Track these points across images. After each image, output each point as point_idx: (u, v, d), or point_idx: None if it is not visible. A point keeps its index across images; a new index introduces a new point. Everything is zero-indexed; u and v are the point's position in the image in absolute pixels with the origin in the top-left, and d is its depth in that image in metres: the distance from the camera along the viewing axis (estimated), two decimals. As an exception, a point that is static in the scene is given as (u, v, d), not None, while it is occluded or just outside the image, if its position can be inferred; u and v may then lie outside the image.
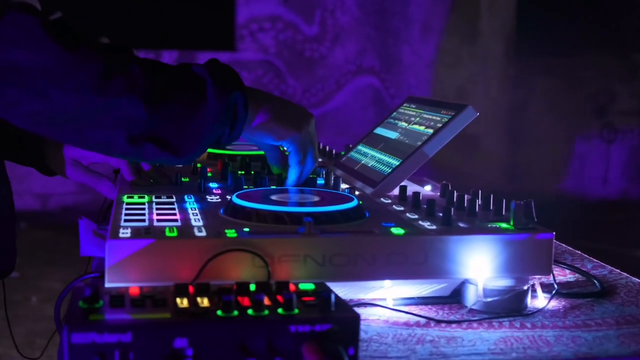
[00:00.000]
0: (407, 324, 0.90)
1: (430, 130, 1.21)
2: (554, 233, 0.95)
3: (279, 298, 0.77)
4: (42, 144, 1.23)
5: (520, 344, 0.84)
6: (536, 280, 1.00)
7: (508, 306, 0.95)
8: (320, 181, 1.23)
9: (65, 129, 0.95)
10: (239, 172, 1.30)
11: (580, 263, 1.16)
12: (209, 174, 1.29)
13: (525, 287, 0.96)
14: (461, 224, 0.97)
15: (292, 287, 0.83)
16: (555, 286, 1.02)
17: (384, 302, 0.96)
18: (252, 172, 1.27)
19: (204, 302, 0.76)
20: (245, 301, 0.76)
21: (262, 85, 5.89)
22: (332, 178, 1.19)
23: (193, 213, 0.97)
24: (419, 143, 1.20)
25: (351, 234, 0.90)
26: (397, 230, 0.92)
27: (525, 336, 0.87)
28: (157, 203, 1.02)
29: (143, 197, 1.06)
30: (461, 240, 0.92)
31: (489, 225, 0.97)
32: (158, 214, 0.95)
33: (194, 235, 0.87)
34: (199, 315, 0.73)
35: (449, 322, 0.91)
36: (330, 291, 0.77)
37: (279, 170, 1.19)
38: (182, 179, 1.22)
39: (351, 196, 1.03)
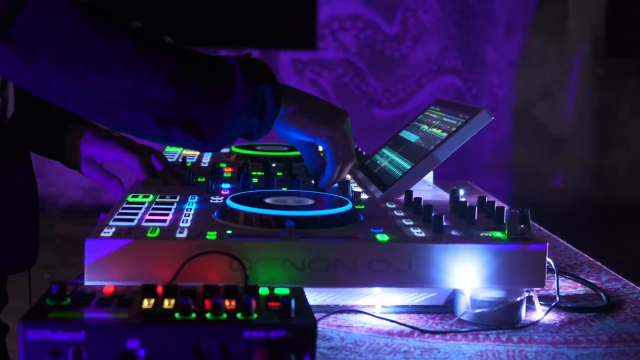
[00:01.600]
0: (389, 333, 0.89)
1: (445, 134, 1.18)
2: (547, 244, 0.91)
3: (233, 303, 0.77)
4: (63, 138, 1.27)
5: (490, 357, 0.81)
6: (533, 292, 0.97)
7: (500, 318, 0.92)
8: (334, 185, 1.22)
9: (93, 107, 0.96)
10: (255, 172, 1.30)
11: (596, 275, 1.11)
12: (228, 175, 1.31)
13: (518, 299, 0.93)
14: (454, 232, 0.94)
15: (266, 291, 0.83)
16: (557, 298, 0.99)
17: (373, 309, 0.94)
18: (279, 174, 1.28)
19: (169, 303, 0.77)
20: (207, 304, 0.76)
21: (343, 85, 5.90)
22: (343, 181, 1.18)
23: (187, 214, 0.98)
24: (432, 147, 1.18)
25: (332, 239, 0.89)
26: (382, 237, 0.90)
27: (506, 350, 0.84)
28: (157, 203, 1.04)
29: (147, 197, 1.08)
30: (447, 249, 0.89)
31: (482, 234, 0.94)
32: (150, 214, 0.97)
33: (173, 237, 0.88)
34: (154, 317, 0.73)
35: (433, 333, 0.89)
36: (292, 297, 0.77)
37: (315, 172, 1.18)
38: (198, 179, 1.23)
39: (346, 200, 1.02)
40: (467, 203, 1.04)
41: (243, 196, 1.02)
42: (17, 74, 0.93)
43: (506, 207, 0.95)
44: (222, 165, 1.39)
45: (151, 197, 1.08)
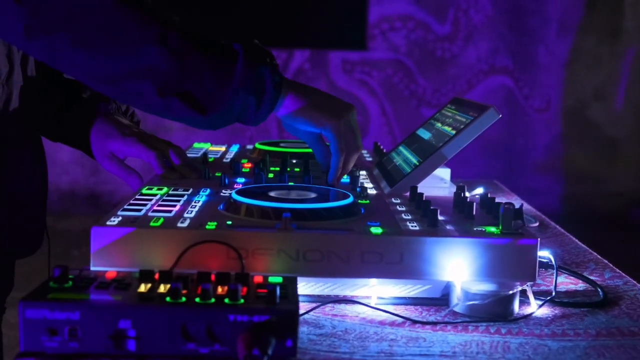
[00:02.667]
0: (381, 323, 0.92)
1: (454, 132, 1.21)
2: (538, 239, 0.93)
3: (225, 289, 0.81)
4: (89, 134, 1.33)
5: (478, 348, 0.83)
6: (527, 286, 0.98)
7: (492, 311, 0.94)
8: (346, 179, 1.25)
9: (100, 75, 1.00)
10: (273, 168, 1.34)
11: (600, 272, 1.12)
12: (246, 170, 1.35)
13: (510, 293, 0.94)
14: (449, 227, 0.97)
15: (260, 279, 0.87)
16: (553, 293, 1.00)
17: (369, 300, 0.97)
18: (296, 170, 1.31)
19: (164, 288, 0.81)
20: (199, 290, 0.81)
21: (392, 85, 5.90)
22: (353, 177, 1.21)
23: (193, 206, 1.03)
24: (440, 145, 1.20)
25: (325, 231, 0.92)
26: (376, 230, 0.93)
27: (490, 341, 0.86)
28: (169, 195, 1.09)
29: (161, 189, 1.13)
30: (437, 242, 0.92)
31: (475, 229, 0.96)
32: (159, 205, 1.02)
33: (174, 226, 0.92)
34: (146, 300, 0.78)
35: (424, 323, 0.92)
36: (278, 285, 0.80)
37: (326, 166, 1.20)
38: (216, 174, 1.28)
39: (348, 194, 1.05)
40: (468, 199, 1.06)
41: (249, 189, 1.06)
42: (28, 44, 0.97)
43: (502, 204, 0.97)
44: (244, 160, 1.43)
45: (165, 189, 1.13)
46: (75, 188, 5.66)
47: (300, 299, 0.96)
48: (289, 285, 0.85)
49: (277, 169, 1.35)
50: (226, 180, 1.19)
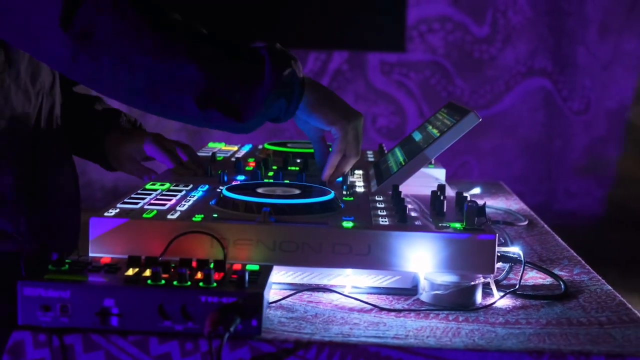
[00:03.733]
0: (351, 309, 1.00)
1: (438, 135, 1.28)
2: (496, 234, 1.00)
3: (201, 273, 0.90)
4: (104, 144, 1.44)
5: (430, 333, 0.91)
6: (490, 278, 1.06)
7: (454, 300, 1.02)
8: (339, 179, 1.33)
9: (141, 93, 1.09)
10: (275, 167, 1.43)
11: (570, 269, 1.19)
12: (250, 168, 1.44)
13: (472, 284, 1.02)
14: (417, 222, 1.05)
15: (239, 266, 0.96)
16: (517, 285, 1.07)
17: (344, 288, 1.06)
18: (296, 169, 1.40)
19: (148, 272, 0.91)
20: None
21: (430, 86, 5.95)
22: (344, 176, 1.29)
23: (187, 200, 1.13)
24: (424, 147, 1.28)
25: (300, 224, 1.01)
26: (347, 224, 1.02)
27: (444, 327, 0.94)
28: (169, 190, 1.19)
29: (163, 185, 1.23)
30: (402, 236, 1.00)
31: (440, 224, 1.04)
32: (157, 199, 1.12)
33: (164, 218, 1.02)
34: (129, 282, 0.88)
35: (389, 310, 1.00)
36: (247, 271, 0.90)
37: (321, 164, 1.29)
38: (218, 172, 1.37)
39: (329, 191, 1.14)
40: (442, 197, 1.13)
41: (239, 186, 1.15)
42: (74, 68, 1.07)
43: (466, 202, 1.05)
44: (250, 159, 1.53)
45: (167, 185, 1.23)
46: (119, 185, 5.83)
47: (282, 286, 1.05)
48: (263, 273, 0.95)
49: (276, 167, 1.44)
50: (225, 178, 1.29)
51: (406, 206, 1.05)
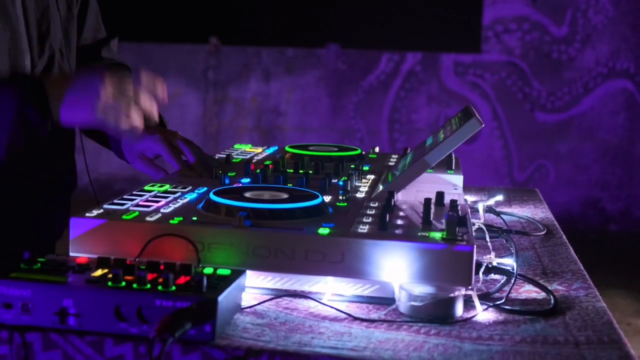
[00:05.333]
0: (324, 318, 0.98)
1: (442, 140, 1.25)
2: (474, 246, 0.96)
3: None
4: (120, 139, 1.46)
5: (391, 345, 0.88)
6: (472, 290, 1.02)
7: (431, 312, 0.98)
8: (340, 182, 1.30)
9: None
10: (289, 170, 1.42)
11: (569, 283, 1.13)
12: (259, 171, 1.44)
13: (450, 296, 0.99)
14: (397, 231, 1.02)
15: (210, 270, 0.96)
16: (503, 299, 1.03)
17: (322, 296, 1.04)
18: (310, 172, 1.39)
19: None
20: (149, 276, 0.91)
21: (505, 88, 5.82)
22: (345, 182, 1.27)
23: (176, 203, 1.13)
24: (426, 152, 1.24)
25: (274, 229, 1.00)
26: (323, 230, 1.00)
27: (410, 340, 0.91)
28: (166, 192, 1.20)
29: (162, 186, 1.24)
30: (375, 245, 0.97)
31: (419, 234, 1.01)
32: (147, 201, 1.13)
33: (142, 220, 1.03)
34: (89, 283, 0.89)
35: (363, 320, 0.98)
36: (204, 275, 0.89)
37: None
38: (229, 174, 1.38)
39: (317, 194, 1.12)
40: (430, 206, 1.10)
41: (226, 190, 1.15)
42: None
43: (448, 211, 1.01)
44: (267, 162, 1.53)
45: (166, 186, 1.24)
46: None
47: (262, 292, 1.05)
48: (230, 277, 0.94)
49: (292, 171, 1.43)
50: (226, 180, 1.29)
51: (386, 214, 1.03)
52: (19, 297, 0.88)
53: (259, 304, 1.01)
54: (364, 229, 1.02)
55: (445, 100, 5.88)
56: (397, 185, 1.24)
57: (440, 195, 1.19)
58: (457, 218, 1.00)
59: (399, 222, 1.07)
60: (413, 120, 5.90)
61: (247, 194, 1.13)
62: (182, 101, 6.02)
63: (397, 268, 0.98)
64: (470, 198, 1.63)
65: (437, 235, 1.00)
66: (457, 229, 1.00)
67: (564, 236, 1.41)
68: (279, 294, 1.04)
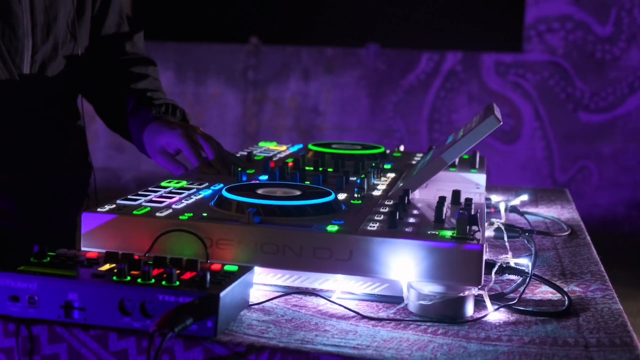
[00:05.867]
0: (331, 316, 0.97)
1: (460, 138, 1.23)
2: (483, 245, 0.94)
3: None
4: (142, 134, 1.47)
5: (394, 344, 0.87)
6: (484, 290, 1.00)
7: (440, 312, 0.97)
8: (358, 180, 1.29)
9: None
10: (308, 168, 1.42)
11: (587, 284, 1.10)
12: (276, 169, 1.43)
13: (460, 295, 0.97)
14: (407, 229, 1.01)
15: (218, 266, 0.96)
16: (516, 300, 1.01)
17: (333, 294, 1.03)
18: (329, 170, 1.38)
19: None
20: (155, 271, 0.91)
21: (548, 88, 5.73)
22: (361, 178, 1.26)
23: (189, 199, 1.13)
24: (444, 150, 1.23)
25: (282, 226, 1.00)
26: (332, 228, 0.99)
27: (416, 339, 0.89)
28: (179, 188, 1.20)
29: (179, 182, 1.24)
30: (383, 242, 0.96)
31: (429, 232, 0.99)
32: (160, 197, 1.13)
33: (152, 215, 1.03)
34: (95, 277, 0.89)
35: (370, 319, 0.96)
36: (208, 271, 0.89)
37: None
38: (248, 171, 1.37)
39: (329, 192, 1.12)
40: (443, 204, 1.08)
41: (239, 186, 1.15)
42: None
43: (459, 210, 0.99)
44: (289, 160, 1.52)
45: (182, 183, 1.24)
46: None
47: (272, 289, 1.04)
48: (236, 274, 0.94)
49: (311, 168, 1.42)
50: (244, 177, 1.29)
51: (395, 212, 1.01)
52: (25, 290, 0.89)
53: (267, 300, 1.01)
54: (373, 226, 1.01)
55: (486, 100, 5.80)
56: (413, 183, 1.22)
57: (456, 193, 1.17)
58: (467, 216, 0.98)
59: (412, 220, 1.05)
60: (453, 120, 5.84)
61: (260, 191, 1.13)
62: (222, 101, 6.06)
63: (405, 266, 0.96)
64: (496, 198, 1.60)
65: (448, 233, 0.98)
66: (468, 227, 0.98)
67: (587, 237, 1.38)
68: (289, 291, 1.03)
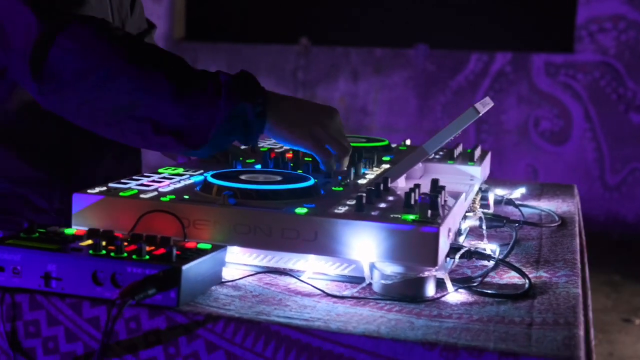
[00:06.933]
0: (296, 292, 1.03)
1: (444, 129, 1.27)
2: (439, 228, 0.99)
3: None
4: None
5: (342, 318, 0.92)
6: (443, 273, 1.04)
7: (402, 291, 1.02)
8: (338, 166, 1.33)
9: (102, 125, 1.24)
10: (308, 159, 1.47)
11: (555, 270, 1.13)
12: (281, 158, 1.50)
13: (420, 276, 1.01)
14: (373, 212, 1.05)
15: (193, 244, 1.03)
16: (477, 282, 1.05)
17: (303, 274, 1.09)
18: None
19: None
20: (131, 247, 0.98)
21: (599, 89, 5.66)
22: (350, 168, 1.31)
23: (178, 184, 1.20)
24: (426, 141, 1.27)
25: (254, 208, 1.06)
26: (300, 210, 1.05)
27: (369, 315, 0.94)
28: (174, 175, 1.27)
29: (176, 169, 1.31)
30: (347, 224, 1.01)
31: (392, 215, 1.04)
32: (152, 181, 1.20)
33: (137, 197, 1.11)
34: (72, 250, 0.97)
35: (333, 297, 1.02)
36: (170, 245, 0.96)
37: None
38: (248, 161, 1.44)
39: (309, 178, 1.17)
40: (415, 191, 1.12)
41: (223, 173, 1.21)
42: (40, 99, 1.22)
43: (421, 195, 1.04)
44: (290, 151, 1.58)
45: (180, 169, 1.31)
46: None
47: (251, 268, 1.10)
48: (205, 251, 1.00)
49: (309, 159, 1.48)
50: (238, 166, 1.36)
51: (362, 195, 1.06)
52: (10, 261, 0.97)
53: (241, 278, 1.07)
54: (340, 210, 1.06)
55: (535, 101, 5.76)
56: (395, 173, 1.27)
57: (435, 182, 1.21)
58: (429, 201, 1.02)
59: (383, 205, 1.10)
60: (502, 122, 5.81)
61: (243, 177, 1.19)
62: (272, 101, 6.16)
63: (367, 247, 1.01)
64: (501, 192, 1.63)
65: (410, 217, 1.03)
66: (430, 211, 1.02)
67: (576, 229, 1.40)
68: (262, 270, 1.09)
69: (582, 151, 5.70)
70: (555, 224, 1.42)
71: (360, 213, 1.05)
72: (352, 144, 1.59)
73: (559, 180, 5.67)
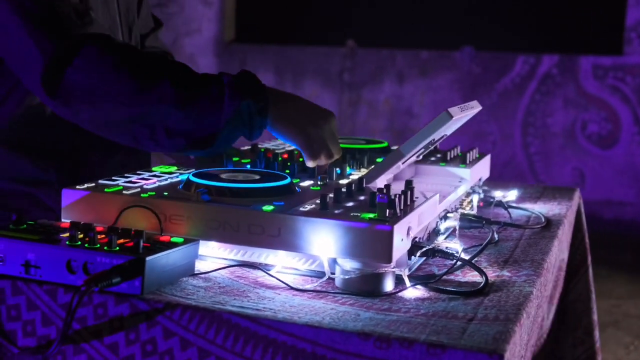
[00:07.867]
0: (261, 285, 1.09)
1: (423, 132, 1.31)
2: (393, 227, 1.03)
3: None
4: None
5: (294, 310, 0.98)
6: (402, 269, 1.08)
7: (360, 287, 1.07)
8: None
9: (116, 132, 1.35)
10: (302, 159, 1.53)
11: (518, 270, 1.16)
12: (273, 158, 1.56)
13: (377, 272, 1.06)
14: (336, 211, 1.10)
15: (167, 238, 1.10)
16: (435, 279, 1.09)
17: (273, 268, 1.14)
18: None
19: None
20: (102, 239, 1.06)
21: (648, 91, 5.56)
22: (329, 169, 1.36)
23: (165, 182, 1.27)
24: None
25: (223, 205, 1.12)
26: (267, 207, 1.11)
27: (318, 307, 0.99)
28: (165, 172, 1.34)
29: (169, 168, 1.39)
30: (307, 221, 1.07)
31: (352, 214, 1.09)
32: (140, 179, 1.28)
33: (119, 193, 1.18)
34: (49, 241, 1.05)
35: (294, 289, 1.07)
36: (141, 237, 1.03)
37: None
38: (243, 161, 1.51)
39: (286, 177, 1.23)
40: (383, 191, 1.17)
41: (205, 172, 1.28)
42: (54, 109, 1.34)
43: (378, 194, 1.09)
44: (286, 152, 1.64)
45: (173, 168, 1.39)
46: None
47: (225, 262, 1.17)
48: (177, 245, 1.07)
49: (302, 159, 1.54)
50: (229, 165, 1.42)
51: (327, 195, 1.12)
52: (-7, 250, 1.06)
53: (213, 270, 1.13)
54: (306, 207, 1.12)
55: (582, 104, 5.70)
56: (371, 174, 1.31)
57: (408, 183, 1.26)
58: (387, 200, 1.07)
59: (350, 204, 1.15)
60: (548, 125, 5.76)
61: (223, 176, 1.25)
62: (318, 102, 6.19)
63: (327, 244, 1.06)
64: (499, 194, 1.66)
65: (369, 216, 1.08)
66: (388, 210, 1.07)
67: (559, 231, 1.42)
68: (234, 263, 1.16)
69: (630, 155, 5.61)
70: (539, 226, 1.45)
71: (322, 211, 1.10)
72: (349, 146, 1.66)
73: (607, 185, 5.60)
